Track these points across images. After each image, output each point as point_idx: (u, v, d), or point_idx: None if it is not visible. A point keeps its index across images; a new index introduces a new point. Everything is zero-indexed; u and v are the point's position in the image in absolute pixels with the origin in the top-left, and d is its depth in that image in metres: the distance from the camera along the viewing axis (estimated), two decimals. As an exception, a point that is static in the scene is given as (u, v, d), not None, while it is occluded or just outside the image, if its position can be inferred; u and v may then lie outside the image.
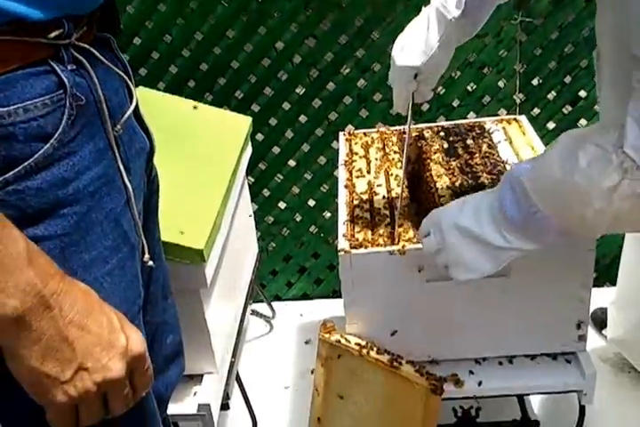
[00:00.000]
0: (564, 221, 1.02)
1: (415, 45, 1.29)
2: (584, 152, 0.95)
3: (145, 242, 0.96)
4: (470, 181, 1.47)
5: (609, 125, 0.93)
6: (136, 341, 0.72)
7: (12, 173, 0.74)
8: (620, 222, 1.00)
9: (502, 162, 1.54)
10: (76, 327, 0.68)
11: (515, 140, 1.65)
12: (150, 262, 0.98)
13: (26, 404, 0.81)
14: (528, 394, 1.54)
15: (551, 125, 2.16)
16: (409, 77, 1.31)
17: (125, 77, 0.92)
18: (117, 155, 0.87)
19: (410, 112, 1.37)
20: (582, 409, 1.54)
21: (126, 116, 0.89)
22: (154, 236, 1.12)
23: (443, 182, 1.47)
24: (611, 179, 0.92)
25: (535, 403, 1.74)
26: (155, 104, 1.75)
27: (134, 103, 0.92)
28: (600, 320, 1.91)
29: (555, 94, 2.13)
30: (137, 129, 0.97)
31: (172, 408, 1.40)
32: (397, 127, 1.80)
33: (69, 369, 0.67)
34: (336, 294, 2.30)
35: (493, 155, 1.57)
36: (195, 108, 1.75)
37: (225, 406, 1.54)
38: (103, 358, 0.69)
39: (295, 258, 2.39)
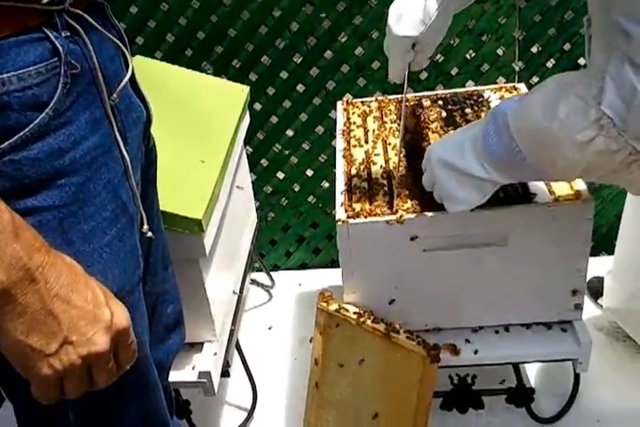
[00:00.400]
0: (538, 161, 1.04)
1: (413, 14, 1.26)
2: (565, 101, 0.95)
3: (144, 213, 0.96)
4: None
5: (592, 78, 0.93)
6: (120, 315, 0.72)
7: (7, 143, 0.73)
8: (591, 174, 1.02)
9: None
10: (62, 301, 0.67)
11: (514, 109, 1.64)
12: (149, 234, 0.98)
13: None
14: (524, 362, 1.56)
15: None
16: (407, 48, 1.29)
17: (121, 45, 0.90)
18: (114, 124, 0.86)
19: (406, 81, 1.36)
20: (577, 377, 1.56)
21: (122, 84, 0.88)
22: (153, 206, 1.12)
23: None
24: (586, 133, 0.93)
25: (531, 371, 1.76)
26: (152, 73, 1.73)
27: (130, 71, 0.91)
28: (596, 289, 1.92)
29: (554, 62, 2.10)
30: (133, 98, 0.96)
31: (173, 376, 1.42)
32: (395, 96, 1.79)
33: (54, 342, 0.67)
34: (335, 263, 2.31)
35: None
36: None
37: (225, 374, 1.56)
38: (88, 332, 0.69)
39: (294, 228, 2.39)
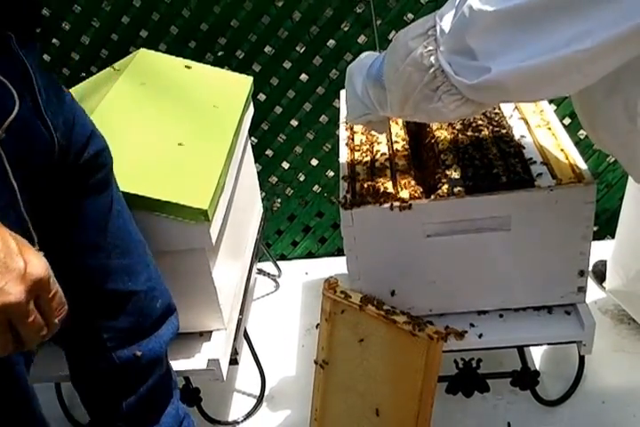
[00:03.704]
0: (385, 77, 1.08)
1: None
2: (424, 19, 1.00)
3: (35, 235, 0.90)
4: (471, 134, 1.47)
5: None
6: (36, 265, 0.69)
7: None
8: (409, 98, 1.03)
9: (503, 115, 1.54)
10: None
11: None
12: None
13: None
14: (528, 345, 1.57)
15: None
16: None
17: (6, 82, 0.85)
18: (3, 156, 0.84)
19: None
20: (582, 360, 1.58)
21: (9, 120, 0.84)
22: (110, 208, 1.09)
23: (443, 137, 1.47)
24: (414, 41, 0.98)
25: (535, 354, 1.77)
26: (156, 66, 1.75)
27: (16, 108, 0.86)
28: (601, 273, 1.93)
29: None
30: (35, 127, 0.93)
31: (183, 364, 1.45)
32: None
33: None
34: (340, 252, 2.33)
35: (494, 108, 1.57)
36: (188, 67, 1.72)
37: (234, 361, 1.58)
38: None
39: (299, 217, 2.41)
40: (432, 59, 0.95)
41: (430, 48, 0.96)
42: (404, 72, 1.00)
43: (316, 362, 1.50)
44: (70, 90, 1.75)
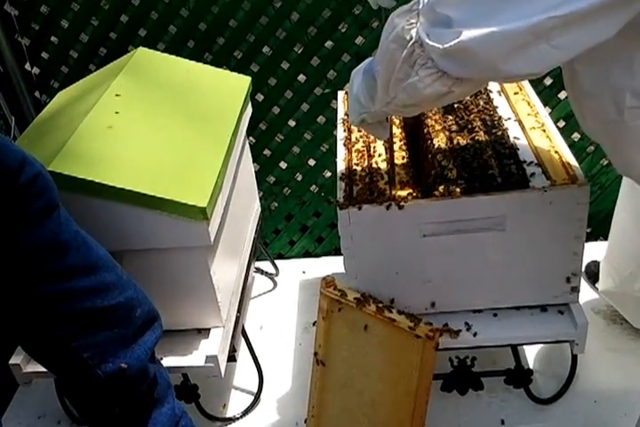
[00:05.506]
0: (376, 65, 1.09)
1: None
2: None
3: None
4: (467, 135, 1.49)
5: None
6: None
7: None
8: (390, 75, 1.04)
9: (498, 117, 1.56)
10: None
11: (511, 95, 1.66)
12: None
13: None
14: (522, 344, 1.59)
15: (548, 81, 2.16)
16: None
17: None
18: None
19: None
20: (574, 359, 1.60)
21: None
22: (60, 232, 1.07)
23: (440, 139, 1.49)
24: (400, 17, 0.99)
25: (529, 353, 1.79)
26: (154, 65, 1.76)
27: None
28: (593, 273, 1.94)
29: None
30: None
31: (181, 360, 1.47)
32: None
33: None
34: (338, 251, 2.32)
35: (489, 110, 1.59)
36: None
37: (232, 359, 1.60)
38: None
39: (297, 217, 2.42)
40: (412, 32, 0.97)
41: (412, 21, 0.97)
42: (388, 49, 1.01)
43: (315, 353, 1.51)
44: (69, 88, 1.79)
